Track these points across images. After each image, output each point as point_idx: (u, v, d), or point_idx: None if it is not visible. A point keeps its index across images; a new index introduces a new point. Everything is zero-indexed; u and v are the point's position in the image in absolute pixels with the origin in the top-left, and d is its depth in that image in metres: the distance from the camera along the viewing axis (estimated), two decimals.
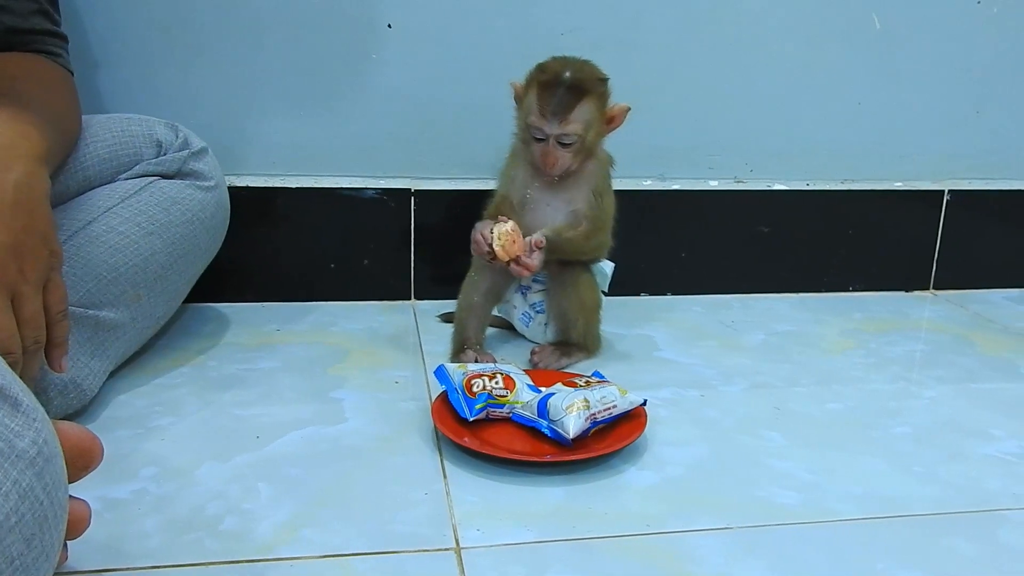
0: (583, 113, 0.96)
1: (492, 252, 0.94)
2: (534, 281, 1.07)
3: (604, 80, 0.98)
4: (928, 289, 1.38)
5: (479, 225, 0.97)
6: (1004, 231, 1.38)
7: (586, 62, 0.98)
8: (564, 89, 0.94)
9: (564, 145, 0.96)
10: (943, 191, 1.34)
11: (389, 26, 1.16)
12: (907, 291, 1.37)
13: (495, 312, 1.10)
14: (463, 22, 1.18)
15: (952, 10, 1.28)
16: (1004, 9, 1.29)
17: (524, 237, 0.95)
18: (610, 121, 1.00)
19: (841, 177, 1.32)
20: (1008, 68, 1.32)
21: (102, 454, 0.56)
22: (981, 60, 1.31)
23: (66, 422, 0.55)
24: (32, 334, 0.69)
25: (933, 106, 1.32)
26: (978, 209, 1.36)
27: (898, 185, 1.33)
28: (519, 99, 1.00)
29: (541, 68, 0.98)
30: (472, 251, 0.98)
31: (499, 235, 0.94)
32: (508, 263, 0.95)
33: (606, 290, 1.08)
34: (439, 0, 1.16)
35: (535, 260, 0.95)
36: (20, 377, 0.48)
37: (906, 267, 1.37)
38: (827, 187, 1.31)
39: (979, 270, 1.38)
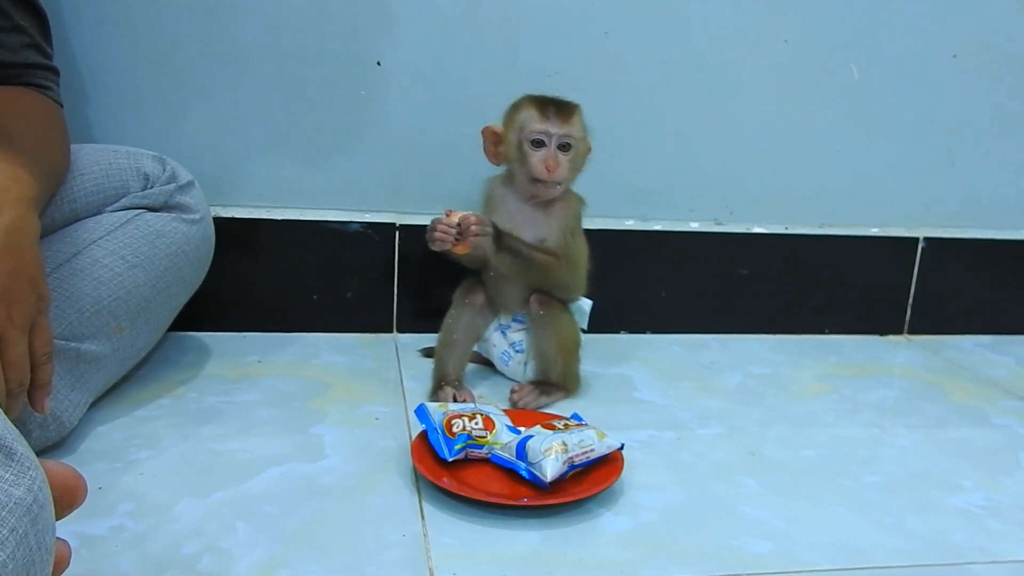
0: (579, 122, 1.00)
1: (459, 235, 0.96)
2: (514, 320, 1.08)
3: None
4: (902, 334, 1.40)
5: (433, 222, 0.98)
6: (977, 279, 1.40)
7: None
8: (560, 100, 1.00)
9: (564, 150, 0.99)
10: (918, 238, 1.37)
11: (378, 63, 1.18)
12: (881, 335, 1.39)
13: (474, 348, 1.11)
14: (451, 61, 1.20)
15: (929, 63, 1.31)
16: (978, 64, 1.32)
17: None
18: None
19: (819, 222, 1.35)
20: (982, 120, 1.36)
21: (86, 493, 0.56)
22: (956, 112, 1.35)
23: (51, 461, 0.55)
24: (16, 377, 0.69)
25: (909, 155, 1.35)
26: (952, 257, 1.38)
27: (874, 231, 1.36)
28: (493, 138, 1.03)
29: (525, 96, 1.02)
30: (435, 244, 0.97)
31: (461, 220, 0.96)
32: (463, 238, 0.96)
33: (585, 327, 1.09)
34: (428, 40, 1.18)
35: (478, 223, 0.96)
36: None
37: (881, 312, 1.39)
38: (805, 231, 1.34)
39: (952, 316, 1.41)
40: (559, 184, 1.00)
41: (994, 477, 0.92)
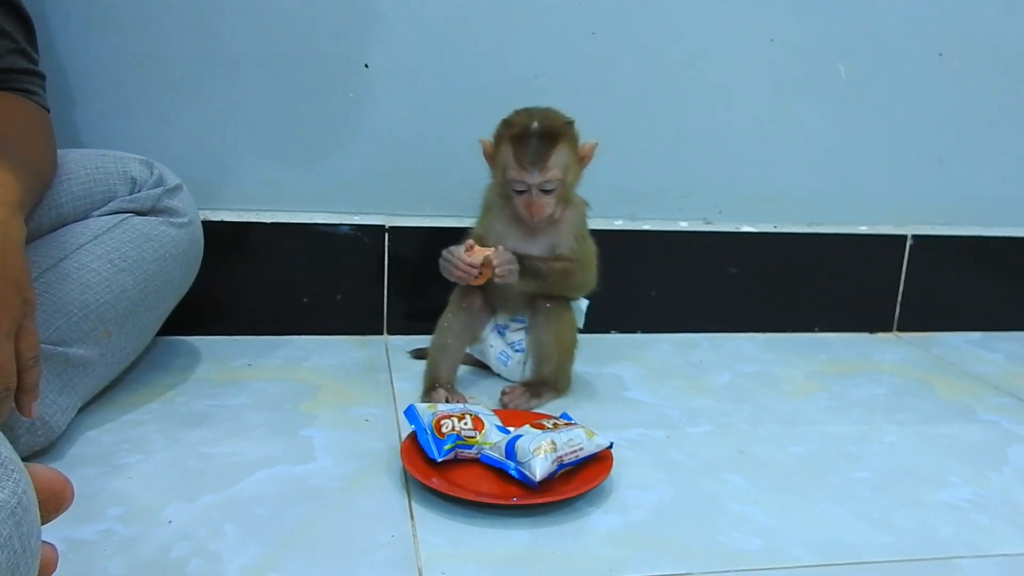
0: (560, 158, 0.98)
1: (480, 274, 0.97)
2: (513, 320, 1.08)
3: (571, 123, 1.01)
4: (891, 331, 1.41)
5: (454, 252, 0.98)
6: (965, 275, 1.41)
7: (548, 109, 1.01)
8: (536, 138, 0.96)
9: (546, 192, 0.98)
10: (906, 235, 1.38)
11: (366, 66, 1.18)
12: (871, 332, 1.40)
13: (467, 350, 1.11)
14: (439, 64, 1.20)
15: (915, 62, 1.32)
16: (965, 62, 1.33)
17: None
18: (582, 159, 1.02)
19: (807, 220, 1.35)
20: (969, 119, 1.36)
21: (73, 496, 0.56)
22: (943, 110, 1.35)
23: (38, 465, 0.55)
24: (3, 381, 0.69)
25: (897, 154, 1.36)
26: (940, 254, 1.39)
27: (863, 229, 1.37)
28: (489, 156, 1.03)
29: (508, 123, 1.00)
30: (453, 278, 0.99)
31: (484, 261, 0.96)
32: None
33: (581, 326, 1.10)
34: (416, 42, 1.18)
35: (505, 264, 0.97)
36: None
37: (870, 309, 1.40)
38: (794, 230, 1.34)
39: (941, 313, 1.41)
40: (545, 220, 1.00)
41: (981, 472, 0.92)
